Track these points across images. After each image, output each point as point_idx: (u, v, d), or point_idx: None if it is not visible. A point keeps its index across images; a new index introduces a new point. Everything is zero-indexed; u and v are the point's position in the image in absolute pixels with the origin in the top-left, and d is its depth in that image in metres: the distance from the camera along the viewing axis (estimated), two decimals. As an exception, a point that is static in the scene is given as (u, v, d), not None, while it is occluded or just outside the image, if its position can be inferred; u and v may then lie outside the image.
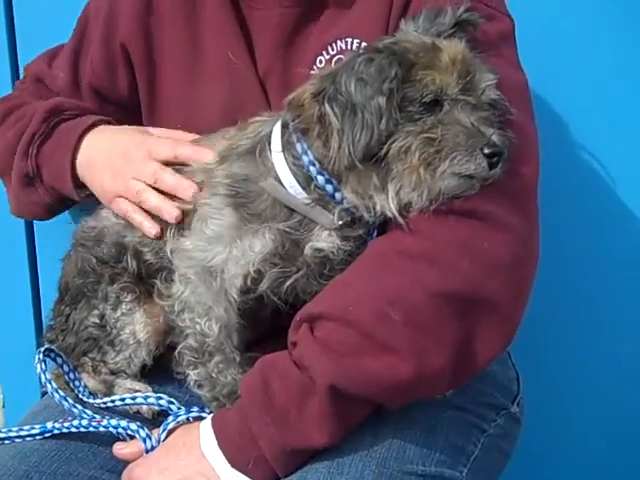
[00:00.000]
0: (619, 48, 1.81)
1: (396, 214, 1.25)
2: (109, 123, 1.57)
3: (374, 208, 1.27)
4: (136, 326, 1.47)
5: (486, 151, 1.20)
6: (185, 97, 1.54)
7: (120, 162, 1.48)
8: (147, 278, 1.47)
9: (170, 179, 1.43)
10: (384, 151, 1.22)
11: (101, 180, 1.50)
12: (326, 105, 1.22)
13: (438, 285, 1.23)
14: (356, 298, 1.25)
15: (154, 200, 1.44)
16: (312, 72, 1.41)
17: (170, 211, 1.42)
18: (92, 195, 1.55)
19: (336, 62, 1.41)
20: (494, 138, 1.21)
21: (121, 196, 1.47)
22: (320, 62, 1.44)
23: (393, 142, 1.21)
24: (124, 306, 1.47)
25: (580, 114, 1.83)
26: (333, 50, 1.43)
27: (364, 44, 1.40)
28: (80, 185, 1.54)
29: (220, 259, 1.33)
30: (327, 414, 1.23)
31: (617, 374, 1.95)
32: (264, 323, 1.46)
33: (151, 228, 1.44)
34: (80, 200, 1.57)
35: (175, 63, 1.53)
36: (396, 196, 1.24)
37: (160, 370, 1.52)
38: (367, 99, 1.20)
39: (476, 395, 1.48)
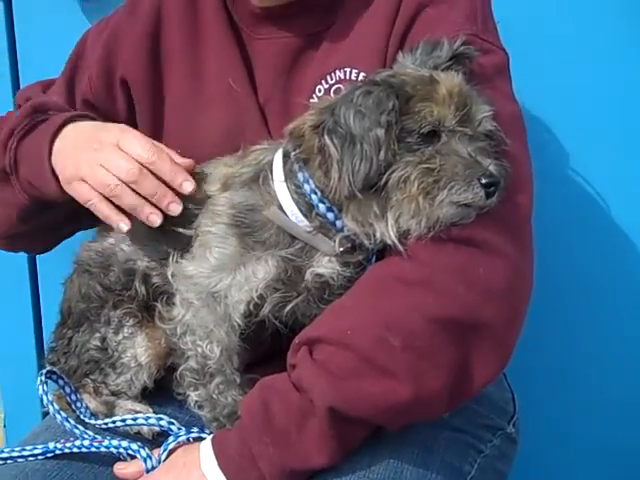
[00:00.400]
0: (615, 73, 1.84)
1: (395, 241, 1.27)
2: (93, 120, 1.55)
3: (374, 235, 1.29)
4: (137, 349, 1.48)
5: (483, 181, 1.24)
6: (186, 125, 1.56)
7: (91, 145, 1.43)
8: (152, 302, 1.48)
9: (153, 184, 1.39)
10: (383, 181, 1.25)
11: (64, 161, 1.45)
12: (325, 137, 1.25)
13: (435, 311, 1.25)
14: (354, 323, 1.27)
15: (131, 198, 1.39)
16: (311, 101, 1.45)
17: (150, 212, 1.39)
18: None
19: (335, 91, 1.44)
20: (491, 168, 1.25)
21: (84, 180, 1.43)
22: (319, 91, 1.46)
23: (392, 172, 1.25)
24: (126, 330, 1.49)
25: (574, 141, 1.87)
26: (332, 80, 1.46)
27: (362, 74, 1.43)
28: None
29: (224, 285, 1.36)
30: (326, 435, 1.25)
31: (613, 396, 1.97)
32: (264, 345, 1.48)
33: (123, 224, 1.41)
34: (57, 198, 1.49)
35: (177, 93, 1.56)
36: (395, 224, 1.27)
37: (160, 391, 1.53)
38: (365, 131, 1.23)
39: (472, 416, 1.51)
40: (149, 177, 1.40)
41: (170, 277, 1.41)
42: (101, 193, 1.41)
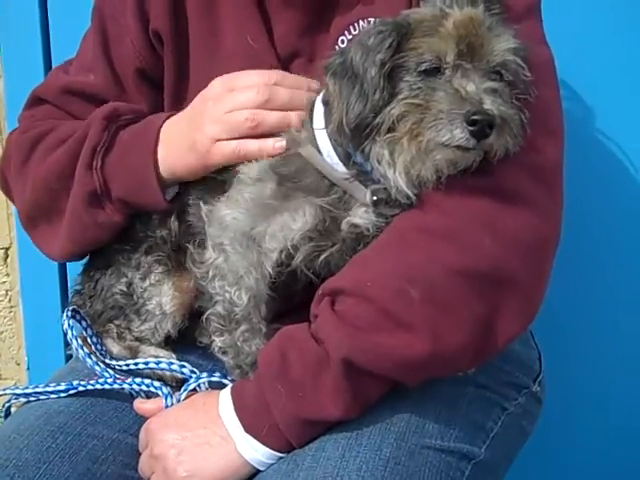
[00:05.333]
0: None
1: (406, 190, 1.25)
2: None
3: (390, 185, 1.26)
4: (163, 298, 1.47)
5: (470, 118, 1.16)
6: (208, 82, 1.47)
7: (207, 107, 1.37)
8: (183, 242, 1.45)
9: (285, 90, 1.34)
10: (378, 121, 1.21)
11: (189, 140, 1.37)
12: (329, 76, 1.24)
13: (458, 263, 1.22)
14: (376, 274, 1.25)
15: (274, 114, 1.33)
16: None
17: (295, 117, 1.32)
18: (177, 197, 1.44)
19: None
20: (486, 106, 1.17)
21: (218, 140, 1.35)
22: (342, 42, 1.43)
23: (387, 111, 1.21)
24: (153, 277, 1.47)
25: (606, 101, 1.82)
26: (355, 30, 1.42)
27: None
28: (167, 185, 1.43)
29: (258, 232, 1.33)
30: (341, 388, 1.23)
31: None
32: (295, 296, 1.46)
33: (277, 142, 1.33)
34: (163, 207, 1.43)
35: (199, 50, 1.51)
36: (403, 170, 1.23)
37: (184, 339, 1.53)
38: (365, 70, 1.20)
39: (498, 373, 1.48)
40: (279, 88, 1.35)
41: (204, 217, 1.38)
42: (239, 137, 1.35)
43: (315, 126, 1.31)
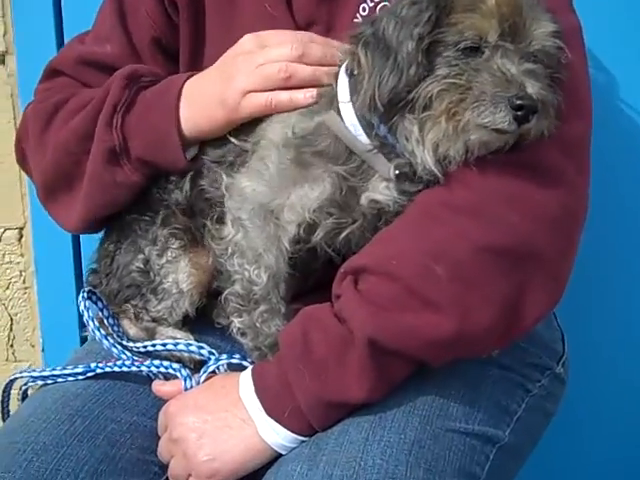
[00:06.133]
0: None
1: (433, 167, 1.21)
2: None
3: (417, 161, 1.23)
4: (179, 275, 1.44)
5: (515, 103, 1.13)
6: (225, 51, 1.45)
7: (237, 61, 1.35)
8: (197, 213, 1.43)
9: (319, 47, 1.32)
10: (412, 97, 1.18)
11: (218, 94, 1.34)
12: (360, 47, 1.20)
13: (484, 239, 1.19)
14: (400, 251, 1.22)
15: (307, 68, 1.31)
16: (355, 21, 1.38)
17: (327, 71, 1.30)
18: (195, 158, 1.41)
19: (381, 9, 1.36)
20: (529, 90, 1.14)
21: (250, 92, 1.33)
22: (364, 10, 1.39)
23: (422, 88, 1.17)
24: (169, 253, 1.44)
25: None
26: None
27: None
28: (187, 144, 1.39)
29: (277, 203, 1.30)
30: (366, 368, 1.21)
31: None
32: (315, 274, 1.43)
33: (307, 92, 1.30)
34: (183, 166, 1.40)
35: (215, 19, 1.47)
36: (432, 147, 1.20)
37: (202, 319, 1.50)
38: (399, 43, 1.17)
39: (522, 355, 1.45)
40: (313, 44, 1.33)
41: (224, 190, 1.35)
42: (271, 89, 1.32)
43: (340, 98, 1.28)
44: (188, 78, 1.41)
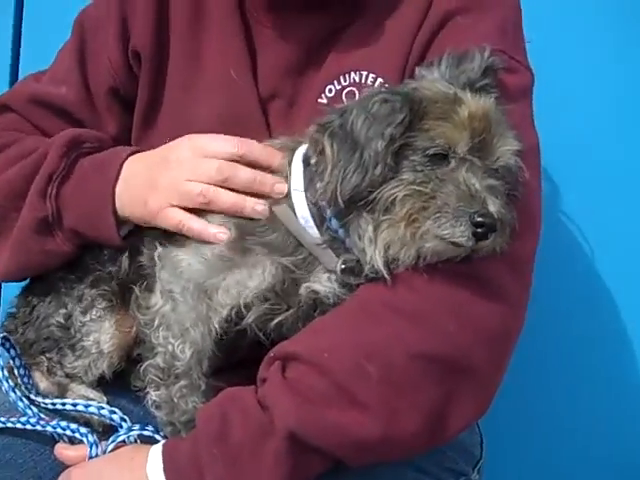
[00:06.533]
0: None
1: (382, 268, 1.20)
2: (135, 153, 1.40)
3: (365, 259, 1.21)
4: (102, 335, 1.38)
5: (476, 220, 1.13)
6: (181, 109, 1.45)
7: (168, 167, 1.32)
8: (131, 284, 1.38)
9: (247, 172, 1.27)
10: (374, 197, 1.17)
11: (144, 194, 1.32)
12: (325, 137, 1.18)
13: (420, 346, 1.18)
14: (334, 344, 1.20)
15: (228, 196, 1.27)
16: (319, 101, 1.38)
17: (255, 203, 1.26)
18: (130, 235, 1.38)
19: (347, 94, 1.36)
20: (491, 208, 1.14)
21: (172, 205, 1.31)
22: (330, 91, 1.38)
23: (384, 190, 1.16)
24: (95, 312, 1.39)
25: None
26: (345, 81, 1.38)
27: (380, 79, 1.35)
28: (122, 221, 1.36)
29: (211, 284, 1.26)
30: (282, 462, 1.17)
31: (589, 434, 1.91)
32: (239, 353, 1.40)
33: (219, 233, 1.27)
34: (116, 242, 1.36)
35: (177, 74, 1.45)
36: (383, 249, 1.19)
37: (118, 380, 1.44)
38: (368, 140, 1.15)
39: (440, 458, 1.42)
40: (241, 167, 1.29)
41: (157, 259, 1.31)
42: (191, 209, 1.29)
43: (293, 186, 1.26)
44: (132, 153, 1.38)
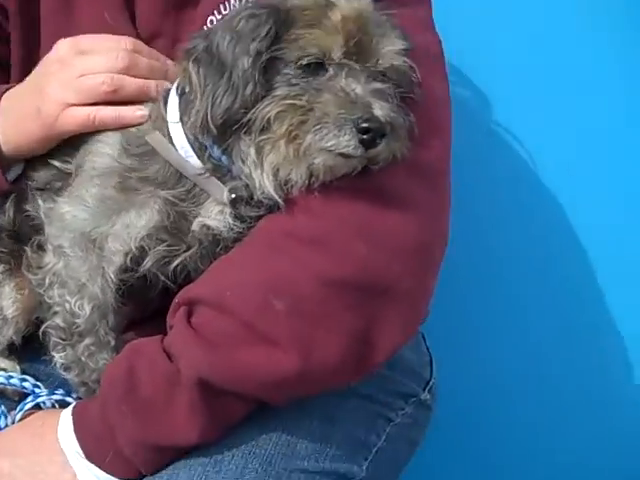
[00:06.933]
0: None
1: (273, 193, 1.10)
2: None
3: (255, 185, 1.12)
4: (4, 302, 1.31)
5: (361, 125, 1.04)
6: None
7: (52, 71, 1.21)
8: (23, 239, 1.29)
9: (145, 61, 1.20)
10: (248, 118, 1.07)
11: (32, 107, 1.21)
12: (190, 62, 1.09)
13: (329, 272, 1.10)
14: (236, 282, 1.11)
15: (133, 83, 1.18)
16: None
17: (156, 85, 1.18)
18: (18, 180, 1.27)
19: None
20: (377, 112, 1.05)
21: (70, 105, 1.19)
22: (211, 22, 1.26)
23: (258, 109, 1.07)
24: None
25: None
26: (226, 9, 1.26)
27: None
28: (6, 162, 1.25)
29: (99, 232, 1.17)
30: (196, 410, 1.10)
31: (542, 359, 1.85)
32: (151, 303, 1.31)
33: (137, 110, 1.19)
34: (3, 188, 1.27)
35: (49, 26, 1.33)
36: (272, 172, 1.09)
37: (33, 345, 1.35)
38: (235, 59, 1.06)
39: (384, 382, 1.37)
40: (139, 56, 1.20)
41: (43, 215, 1.21)
42: (94, 102, 1.18)
43: (168, 118, 1.16)
44: (5, 91, 1.27)
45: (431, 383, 1.48)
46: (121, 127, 1.18)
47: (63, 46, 1.23)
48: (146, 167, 1.16)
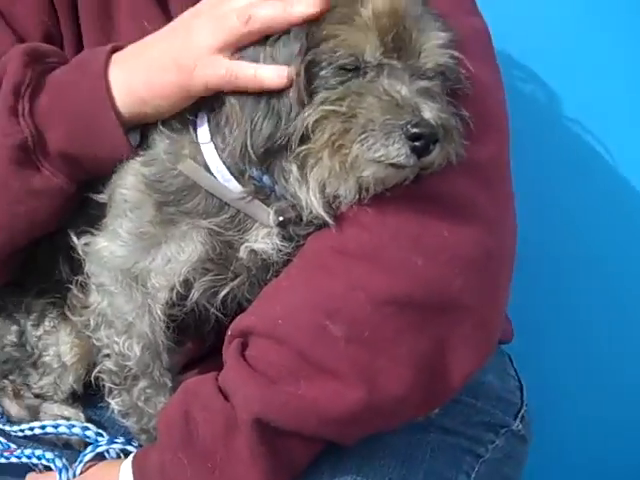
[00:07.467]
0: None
1: (321, 212, 1.02)
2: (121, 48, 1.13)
3: (302, 205, 1.03)
4: (61, 347, 1.26)
5: (411, 132, 0.94)
6: None
7: (196, 18, 1.06)
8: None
9: None
10: (289, 131, 0.99)
11: (166, 53, 1.06)
12: None
13: (385, 290, 1.00)
14: (287, 308, 1.03)
15: (267, 7, 1.00)
16: None
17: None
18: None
19: None
20: (426, 115, 0.95)
21: (217, 51, 1.03)
22: None
23: (299, 119, 0.98)
24: (47, 322, 1.26)
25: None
26: None
27: None
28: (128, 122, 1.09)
29: (140, 268, 1.11)
30: (258, 454, 1.01)
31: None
32: (208, 338, 1.25)
33: (279, 70, 0.99)
34: (125, 153, 1.09)
35: (91, 31, 1.26)
36: (318, 189, 1.01)
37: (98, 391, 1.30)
38: None
39: (468, 413, 1.25)
40: None
41: (81, 253, 1.15)
42: (231, 41, 1.02)
43: (199, 139, 1.08)
44: (115, 48, 1.12)
45: (523, 410, 1.33)
46: (258, 89, 1.01)
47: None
48: (186, 200, 1.08)
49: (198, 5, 1.10)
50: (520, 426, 1.31)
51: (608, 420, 1.71)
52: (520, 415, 1.32)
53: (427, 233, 1.01)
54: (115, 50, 1.12)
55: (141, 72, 1.08)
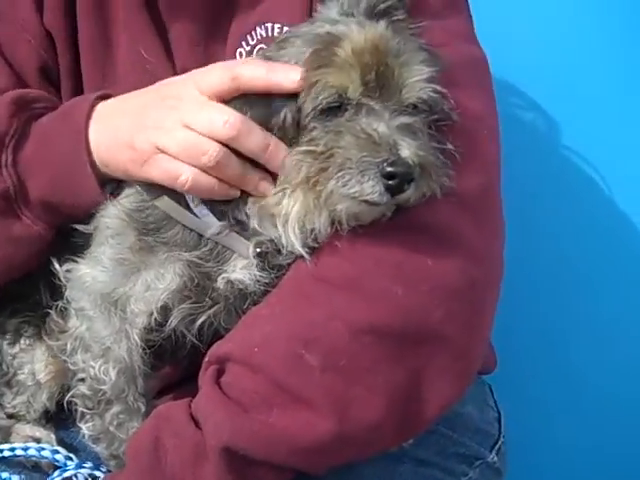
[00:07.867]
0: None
1: (300, 249, 1.02)
2: (106, 97, 1.15)
3: (281, 242, 1.04)
4: (36, 365, 1.25)
5: (386, 170, 0.94)
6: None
7: (162, 105, 1.07)
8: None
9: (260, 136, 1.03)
10: None
11: (123, 135, 1.07)
12: None
13: (364, 319, 1.00)
14: (264, 337, 1.02)
15: (236, 169, 1.03)
16: None
17: (261, 177, 1.04)
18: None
19: (257, 51, 1.19)
20: (403, 153, 0.95)
21: (163, 152, 1.05)
22: (240, 55, 1.21)
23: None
24: (23, 341, 1.26)
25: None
26: (253, 40, 1.21)
27: (286, 28, 1.16)
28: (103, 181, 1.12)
29: (120, 293, 1.11)
30: None
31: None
32: (183, 364, 1.24)
33: (230, 190, 1.05)
34: (99, 201, 1.12)
35: (89, 60, 1.28)
36: (297, 225, 1.01)
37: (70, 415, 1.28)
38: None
39: (443, 444, 1.24)
40: (254, 128, 1.03)
41: (63, 278, 1.15)
42: (194, 165, 1.04)
43: None
44: (100, 98, 1.15)
45: (499, 442, 1.33)
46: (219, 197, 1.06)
47: (187, 81, 1.09)
48: (164, 231, 1.09)
49: (179, 85, 1.10)
50: (495, 458, 1.31)
51: (588, 449, 1.71)
52: (497, 447, 1.32)
53: (409, 262, 1.01)
54: (103, 98, 1.15)
55: (107, 139, 1.11)
